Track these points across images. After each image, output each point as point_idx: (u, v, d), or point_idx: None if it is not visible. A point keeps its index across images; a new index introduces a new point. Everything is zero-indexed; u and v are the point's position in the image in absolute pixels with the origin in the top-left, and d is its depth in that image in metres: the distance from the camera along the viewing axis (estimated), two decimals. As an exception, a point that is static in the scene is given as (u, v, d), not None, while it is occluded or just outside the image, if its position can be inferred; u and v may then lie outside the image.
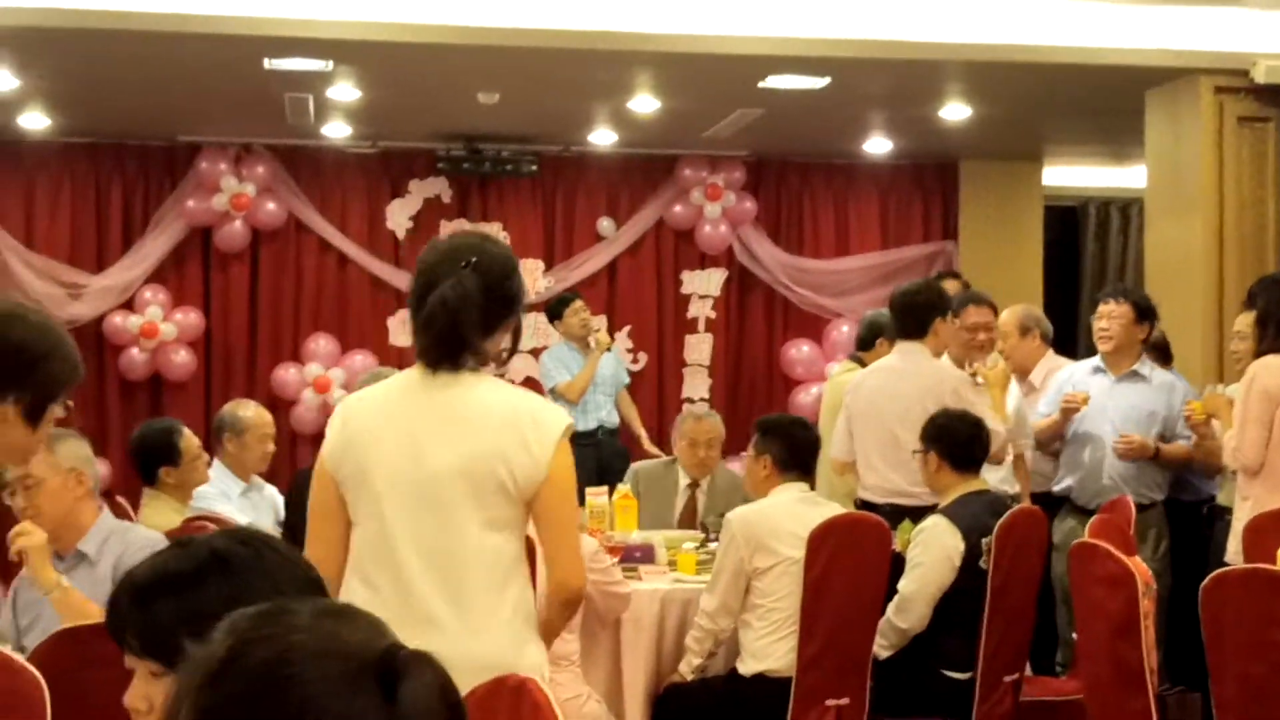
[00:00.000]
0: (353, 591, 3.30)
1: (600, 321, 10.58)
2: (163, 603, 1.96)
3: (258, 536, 2.03)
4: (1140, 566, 4.26)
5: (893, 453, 6.19)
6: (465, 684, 3.31)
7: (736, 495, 6.80)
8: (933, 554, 5.35)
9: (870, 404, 6.28)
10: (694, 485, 6.94)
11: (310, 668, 1.37)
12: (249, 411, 6.48)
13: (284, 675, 1.37)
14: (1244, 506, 5.58)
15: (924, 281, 7.31)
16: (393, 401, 3.39)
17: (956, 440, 5.58)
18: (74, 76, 8.58)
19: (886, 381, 6.25)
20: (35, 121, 9.76)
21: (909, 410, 6.01)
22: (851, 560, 5.16)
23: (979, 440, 5.60)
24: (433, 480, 3.27)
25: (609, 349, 9.35)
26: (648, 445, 9.49)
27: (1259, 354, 5.64)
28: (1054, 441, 6.76)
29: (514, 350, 3.42)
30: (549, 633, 3.44)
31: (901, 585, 5.37)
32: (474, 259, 3.30)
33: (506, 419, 3.29)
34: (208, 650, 1.41)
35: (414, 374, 3.39)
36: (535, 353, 10.22)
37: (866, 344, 7.30)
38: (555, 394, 9.14)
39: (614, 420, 9.34)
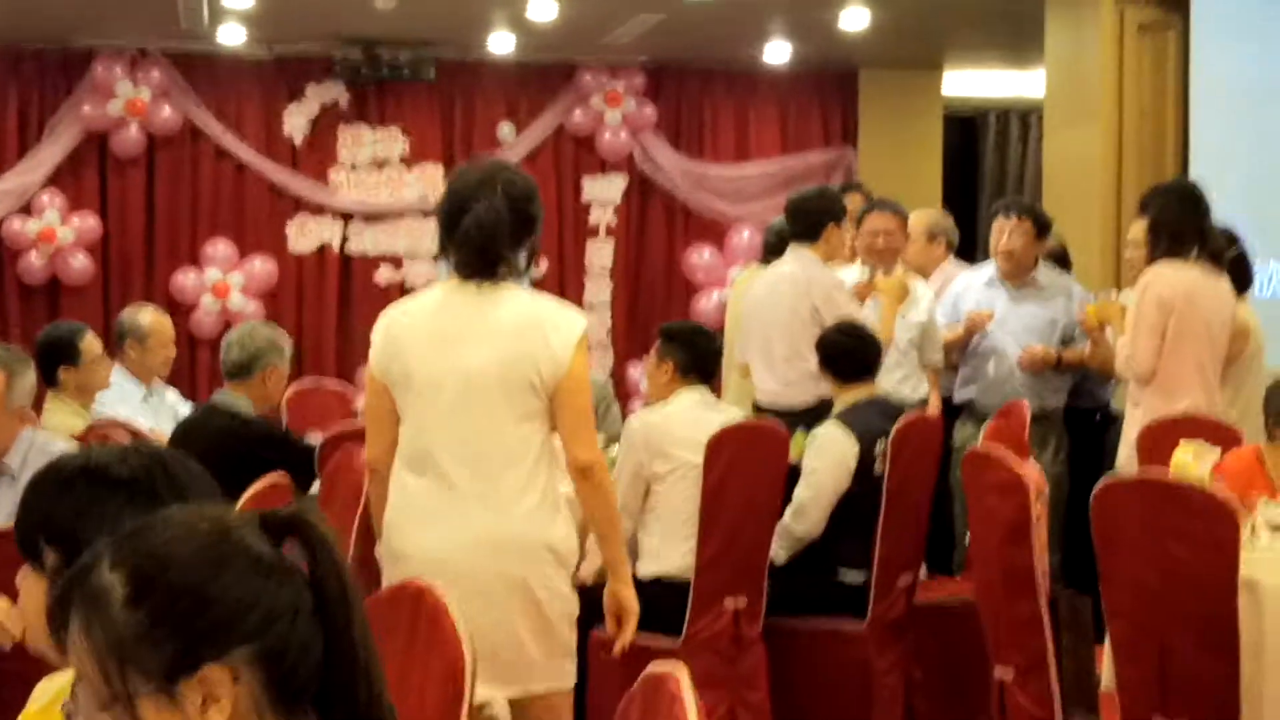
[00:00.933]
0: (402, 482, 3.79)
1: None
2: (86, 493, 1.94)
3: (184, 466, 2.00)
4: (1032, 472, 4.35)
5: (766, 357, 6.28)
6: (503, 558, 3.70)
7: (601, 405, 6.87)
8: (826, 460, 5.43)
9: (753, 307, 6.39)
10: None
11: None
12: (149, 317, 6.44)
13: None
14: (1135, 414, 5.67)
15: (820, 188, 7.36)
16: (432, 311, 3.83)
17: (842, 351, 5.66)
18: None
19: (768, 285, 6.34)
20: (-80, 23, 9.52)
21: (779, 315, 6.11)
22: (749, 466, 5.22)
23: (863, 350, 5.66)
24: (470, 379, 3.72)
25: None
26: None
27: (1151, 262, 5.70)
28: (953, 354, 6.83)
29: (530, 264, 3.85)
30: (591, 511, 3.87)
31: (797, 492, 5.45)
32: (501, 184, 3.74)
33: (532, 324, 3.73)
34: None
35: (451, 285, 3.82)
36: (436, 259, 10.17)
37: (775, 250, 7.30)
38: None
39: None
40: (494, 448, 3.73)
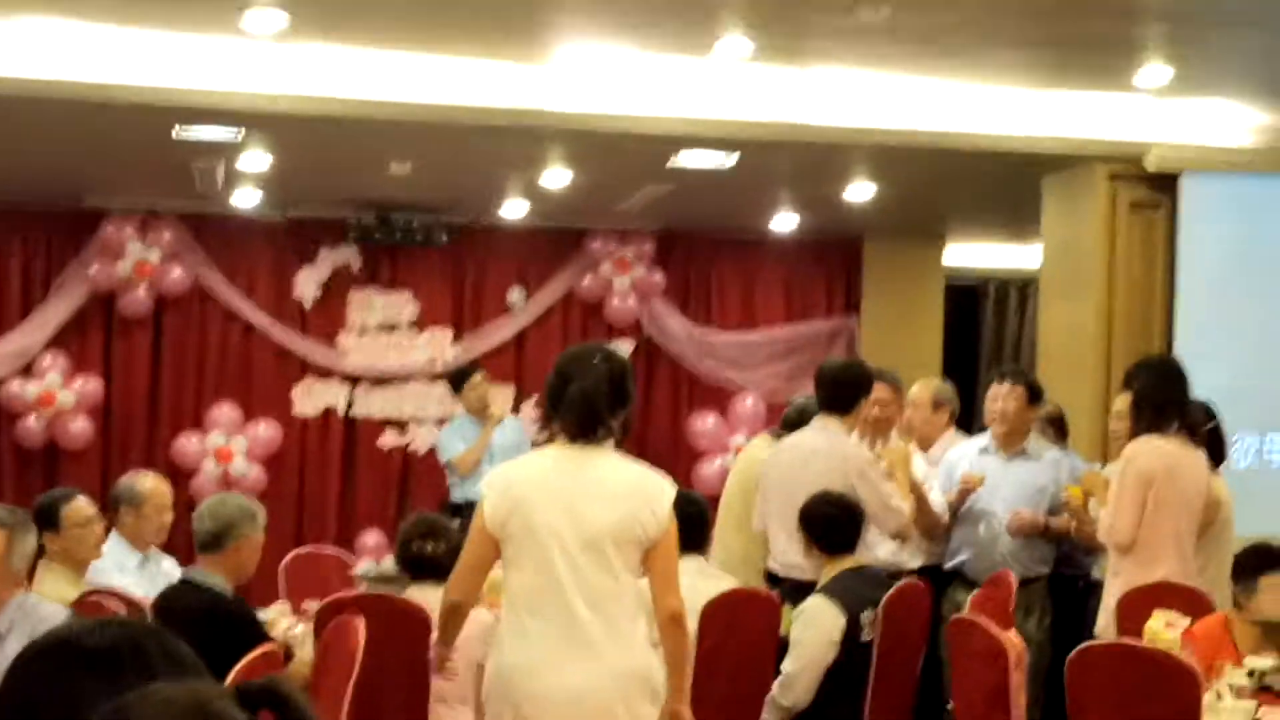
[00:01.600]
0: (522, 626, 4.23)
1: (507, 392, 10.64)
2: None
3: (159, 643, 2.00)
4: (1013, 640, 4.39)
5: (790, 527, 6.28)
6: (620, 690, 4.18)
7: None
8: (812, 633, 5.44)
9: (780, 476, 6.33)
10: None
11: None
12: (147, 483, 6.37)
13: None
14: (1114, 583, 5.75)
15: (852, 360, 7.41)
16: (549, 470, 4.30)
17: (828, 524, 5.68)
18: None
19: (798, 456, 6.29)
20: (-67, 182, 9.69)
21: (812, 487, 6.08)
22: (742, 635, 5.25)
23: (848, 523, 5.69)
24: (591, 535, 4.20)
25: (499, 421, 9.36)
26: None
27: (1134, 435, 5.83)
28: (946, 517, 6.88)
29: (625, 434, 4.35)
30: (674, 655, 4.29)
31: (785, 664, 5.46)
32: (601, 360, 4.31)
33: (637, 488, 4.26)
34: None
35: (558, 448, 4.32)
36: (440, 423, 10.28)
37: (793, 426, 7.30)
38: (450, 466, 9.16)
39: None
40: (611, 594, 4.22)
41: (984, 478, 6.73)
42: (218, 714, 1.59)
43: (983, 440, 6.99)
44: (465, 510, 7.41)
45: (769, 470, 6.44)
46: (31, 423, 10.15)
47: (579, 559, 4.20)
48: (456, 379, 9.54)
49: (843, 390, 6.31)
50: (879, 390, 6.82)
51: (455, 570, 4.43)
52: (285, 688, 1.66)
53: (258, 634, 5.09)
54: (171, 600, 5.07)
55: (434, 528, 5.51)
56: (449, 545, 5.29)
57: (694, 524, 5.42)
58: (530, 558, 4.22)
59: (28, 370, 10.20)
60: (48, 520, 5.63)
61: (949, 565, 6.87)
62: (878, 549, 6.30)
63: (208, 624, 4.78)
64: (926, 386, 7.42)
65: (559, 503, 4.22)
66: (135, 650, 1.86)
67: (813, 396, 7.26)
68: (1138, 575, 5.60)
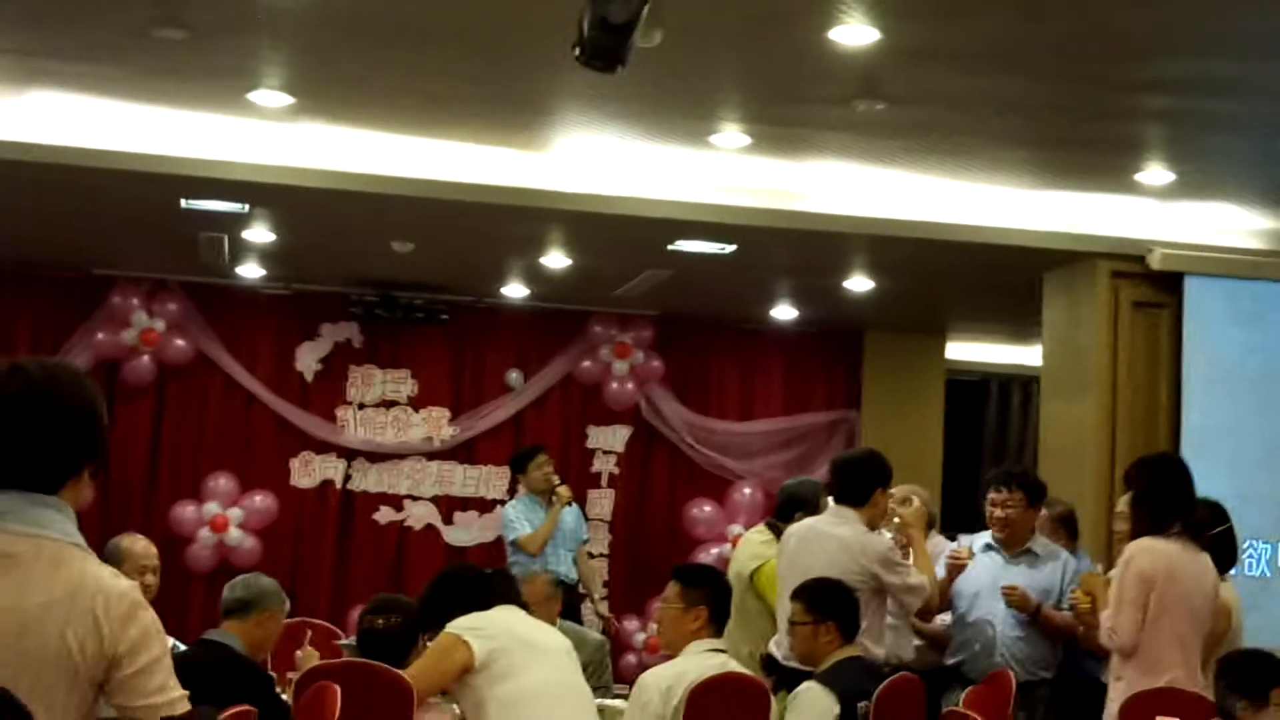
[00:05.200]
0: None
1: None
2: None
3: None
4: (1008, 739, 4.33)
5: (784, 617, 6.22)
6: None
7: (581, 650, 6.83)
8: (806, 718, 5.37)
9: (792, 562, 6.24)
10: None
11: None
12: (130, 544, 6.30)
13: None
14: (1118, 686, 5.64)
15: (867, 451, 7.32)
16: None
17: (852, 611, 5.63)
18: (-12, 205, 8.62)
19: (814, 542, 6.18)
20: (-57, 248, 9.77)
21: (826, 572, 5.99)
22: (729, 719, 5.18)
23: (851, 608, 5.67)
24: (564, 645, 5.18)
25: (569, 503, 9.36)
26: (598, 607, 9.53)
27: (1134, 535, 5.73)
28: (944, 603, 6.77)
29: None
30: None
31: (777, 751, 5.40)
32: None
33: None
34: None
35: None
36: (491, 504, 10.31)
37: (785, 515, 7.25)
38: (517, 546, 9.11)
39: (573, 575, 9.28)
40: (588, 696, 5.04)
41: (971, 552, 6.66)
42: None
43: (986, 538, 6.91)
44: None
45: (781, 552, 6.38)
46: (31, 489, 10.11)
47: (566, 666, 5.09)
48: (520, 459, 9.51)
49: (858, 480, 6.23)
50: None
51: None
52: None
53: (270, 691, 5.10)
54: (187, 657, 5.08)
55: (386, 604, 5.52)
56: (404, 619, 5.34)
57: (726, 601, 5.43)
58: (524, 669, 4.96)
59: (27, 437, 10.17)
60: None
61: (949, 662, 6.78)
62: (874, 649, 6.20)
63: (222, 675, 4.81)
64: (899, 491, 7.36)
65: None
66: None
67: (803, 480, 7.25)
68: (1141, 680, 5.47)
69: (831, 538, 6.13)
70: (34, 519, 2.54)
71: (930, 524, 7.19)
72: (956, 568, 6.67)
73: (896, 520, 6.38)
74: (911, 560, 6.30)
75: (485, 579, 5.39)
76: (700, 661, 5.27)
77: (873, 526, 6.19)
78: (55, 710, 2.46)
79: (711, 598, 5.35)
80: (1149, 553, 5.61)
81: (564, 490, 9.33)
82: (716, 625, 5.38)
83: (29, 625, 2.48)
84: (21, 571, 2.50)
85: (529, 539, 9.07)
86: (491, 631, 5.00)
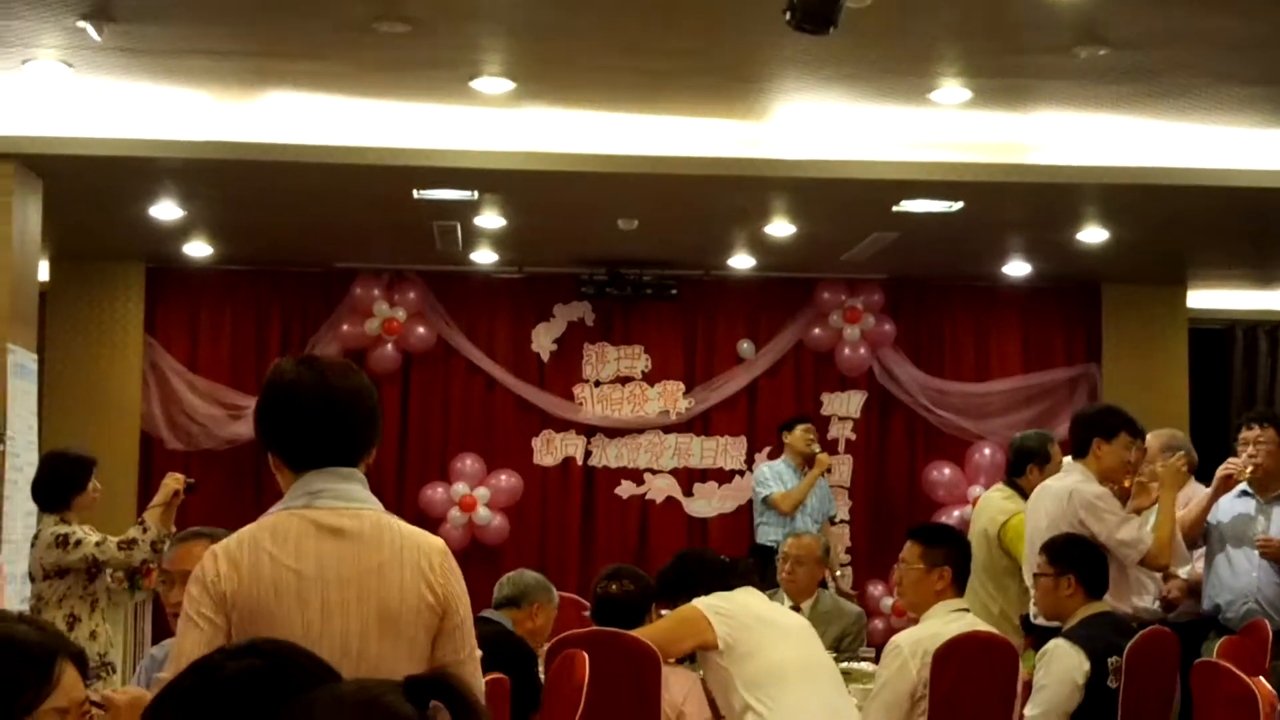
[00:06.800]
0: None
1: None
2: None
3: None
4: (1264, 687, 4.22)
5: (1030, 572, 6.16)
6: None
7: (838, 621, 6.83)
8: (1055, 675, 5.30)
9: (1027, 519, 6.27)
10: (795, 609, 6.86)
11: None
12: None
13: None
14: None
15: (1100, 404, 7.23)
16: None
17: (1094, 565, 5.55)
18: (235, 207, 9.01)
19: (1040, 497, 6.20)
20: (199, 250, 10.24)
21: (1045, 529, 5.97)
22: (978, 679, 5.14)
23: (1106, 565, 5.59)
24: None
25: (828, 470, 9.47)
26: (839, 582, 9.57)
27: None
28: (1199, 527, 6.60)
29: None
30: None
31: (1027, 709, 5.33)
32: None
33: None
34: None
35: None
36: (730, 474, 10.37)
37: (1017, 469, 7.22)
38: (768, 503, 9.27)
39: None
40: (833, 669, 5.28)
41: (1249, 464, 6.48)
42: (386, 707, 1.62)
43: (1242, 485, 6.73)
44: (773, 553, 7.48)
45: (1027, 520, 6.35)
46: (289, 473, 10.59)
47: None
48: (789, 422, 9.81)
49: (1078, 433, 6.21)
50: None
51: None
52: (455, 681, 1.68)
53: (532, 668, 5.25)
54: None
55: (620, 572, 5.64)
56: (638, 587, 5.42)
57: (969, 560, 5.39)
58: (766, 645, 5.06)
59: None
60: None
61: (1204, 609, 6.61)
62: (1135, 599, 6.09)
63: (491, 647, 4.97)
64: (1158, 436, 7.18)
65: None
66: (279, 670, 1.82)
67: (1029, 434, 7.23)
68: None
69: (1050, 490, 6.10)
70: (349, 494, 2.83)
71: (1191, 469, 7.00)
72: (1226, 477, 6.48)
73: (1140, 479, 6.24)
74: (1149, 517, 6.14)
75: (727, 566, 5.56)
76: (948, 623, 5.24)
77: (1105, 479, 6.09)
78: (401, 660, 2.72)
79: (955, 556, 5.32)
80: None
81: (824, 457, 9.48)
82: (959, 585, 5.35)
83: (368, 587, 2.75)
84: (351, 541, 2.78)
85: (783, 496, 9.21)
86: (734, 611, 5.11)
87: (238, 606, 2.71)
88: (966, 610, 5.40)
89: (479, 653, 2.87)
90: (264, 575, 2.72)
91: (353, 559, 2.76)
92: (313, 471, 2.84)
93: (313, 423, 2.83)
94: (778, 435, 10.00)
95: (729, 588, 5.28)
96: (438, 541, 2.88)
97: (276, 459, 2.90)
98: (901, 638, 5.25)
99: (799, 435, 9.58)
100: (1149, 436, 7.02)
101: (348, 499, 2.83)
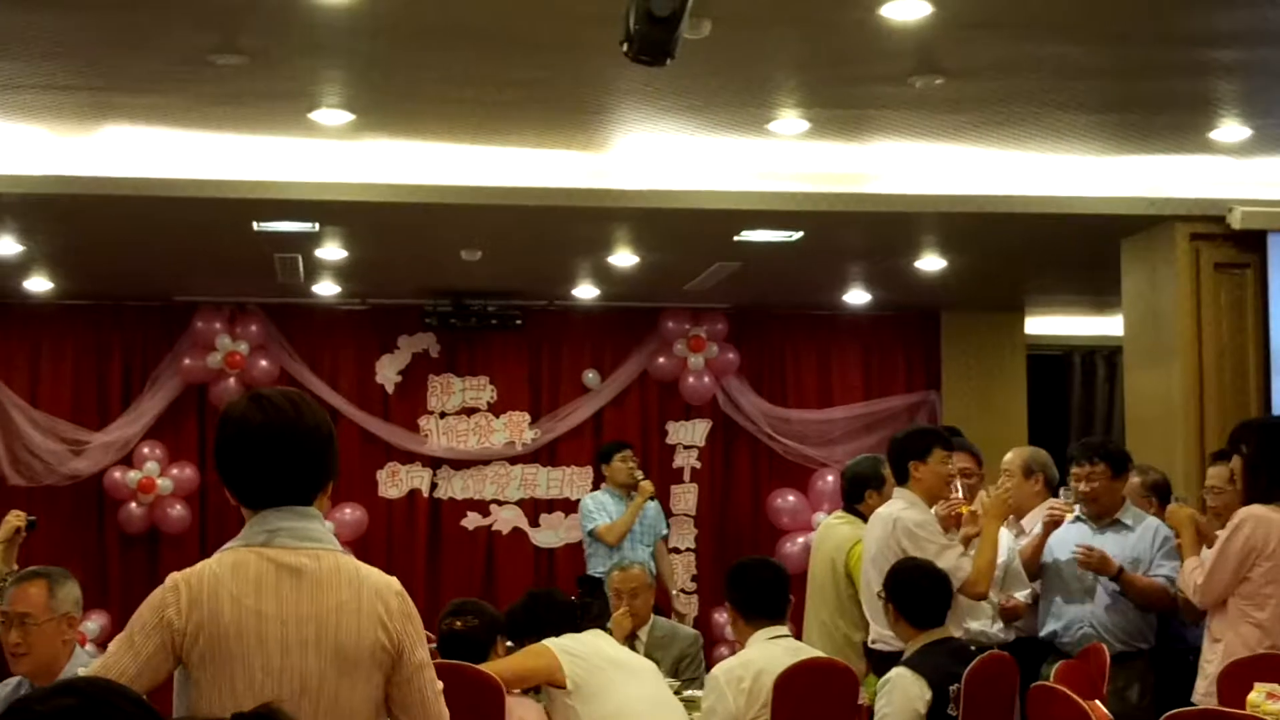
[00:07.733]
0: None
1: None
2: None
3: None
4: (1099, 710, 4.28)
5: (869, 597, 6.22)
6: None
7: (675, 643, 6.85)
8: (897, 705, 5.33)
9: (864, 550, 6.34)
10: (631, 637, 6.86)
11: None
12: None
13: None
14: (1215, 648, 5.54)
15: (908, 427, 7.31)
16: None
17: (914, 594, 5.58)
18: (75, 241, 8.83)
19: (871, 524, 6.27)
20: (38, 285, 10.03)
21: (872, 559, 6.08)
22: (818, 705, 5.16)
23: (938, 595, 5.60)
24: None
25: (651, 497, 9.40)
26: (676, 603, 9.54)
27: (1246, 501, 5.57)
28: (1035, 564, 6.70)
29: None
30: None
31: (866, 738, 5.38)
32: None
33: None
34: None
35: None
36: (576, 504, 10.31)
37: (855, 496, 7.25)
38: (594, 536, 9.19)
39: (652, 569, 9.31)
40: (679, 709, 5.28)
41: (1072, 505, 6.59)
42: None
43: (1076, 510, 6.83)
44: (601, 584, 7.44)
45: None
46: (133, 509, 10.51)
47: None
48: (606, 451, 9.60)
49: (894, 461, 6.29)
50: (960, 460, 6.73)
51: None
52: (283, 714, 1.67)
53: None
54: None
55: (464, 607, 5.60)
56: (482, 621, 5.40)
57: (760, 591, 5.47)
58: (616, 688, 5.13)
59: (129, 459, 10.53)
60: None
61: (1043, 634, 6.70)
62: (969, 622, 6.15)
63: None
64: (1019, 454, 7.27)
65: None
66: (93, 709, 1.79)
67: (860, 459, 7.32)
68: (1241, 648, 5.38)
69: (880, 518, 6.18)
70: (307, 533, 2.84)
71: (1051, 486, 7.07)
72: (1054, 521, 6.59)
73: (955, 496, 6.30)
74: (968, 546, 6.20)
75: (575, 607, 5.61)
76: (766, 648, 5.32)
77: (930, 498, 6.17)
78: (358, 699, 2.78)
79: (737, 592, 5.51)
80: (1264, 524, 5.46)
81: (646, 484, 9.36)
82: (760, 619, 5.45)
83: (327, 626, 2.77)
84: (310, 581, 2.79)
85: (607, 529, 9.12)
86: (585, 653, 5.19)
87: (198, 645, 2.73)
88: (785, 635, 5.48)
89: (440, 684, 2.89)
90: (224, 616, 2.74)
91: (311, 598, 2.78)
92: (270, 510, 2.84)
93: (263, 463, 2.84)
94: (596, 466, 9.91)
95: (578, 629, 5.36)
96: (394, 583, 2.89)
97: (232, 496, 2.91)
98: (718, 669, 5.40)
99: (617, 465, 9.41)
100: (1010, 454, 7.12)
101: (305, 538, 2.84)
